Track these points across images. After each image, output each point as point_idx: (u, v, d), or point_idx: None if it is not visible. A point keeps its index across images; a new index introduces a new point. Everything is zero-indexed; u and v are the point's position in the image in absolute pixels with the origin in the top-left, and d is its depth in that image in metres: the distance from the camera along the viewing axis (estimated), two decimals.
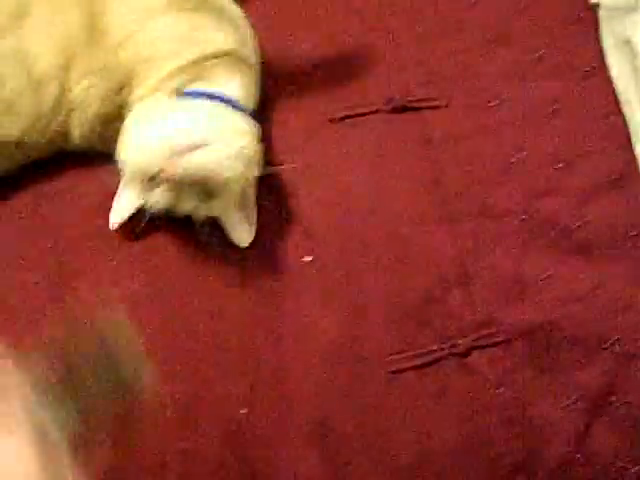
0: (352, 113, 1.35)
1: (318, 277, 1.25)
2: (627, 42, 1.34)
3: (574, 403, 1.21)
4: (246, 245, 1.25)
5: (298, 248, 1.26)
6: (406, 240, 1.27)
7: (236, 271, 1.23)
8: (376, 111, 1.35)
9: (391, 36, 1.43)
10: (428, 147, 1.34)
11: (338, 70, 1.40)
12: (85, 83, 1.23)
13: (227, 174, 1.15)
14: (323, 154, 1.32)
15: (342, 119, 1.34)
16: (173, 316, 1.22)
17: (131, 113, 1.23)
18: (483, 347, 1.23)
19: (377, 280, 1.25)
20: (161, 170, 1.12)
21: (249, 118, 1.25)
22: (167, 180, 1.13)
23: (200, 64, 1.24)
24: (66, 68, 1.22)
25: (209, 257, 1.25)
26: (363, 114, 1.35)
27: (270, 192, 1.28)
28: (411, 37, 1.42)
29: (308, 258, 1.26)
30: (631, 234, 1.29)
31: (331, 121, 1.34)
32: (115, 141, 1.21)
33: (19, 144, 1.24)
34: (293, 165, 1.27)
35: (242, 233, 1.24)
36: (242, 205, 1.23)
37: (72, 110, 1.24)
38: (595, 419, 1.21)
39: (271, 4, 1.45)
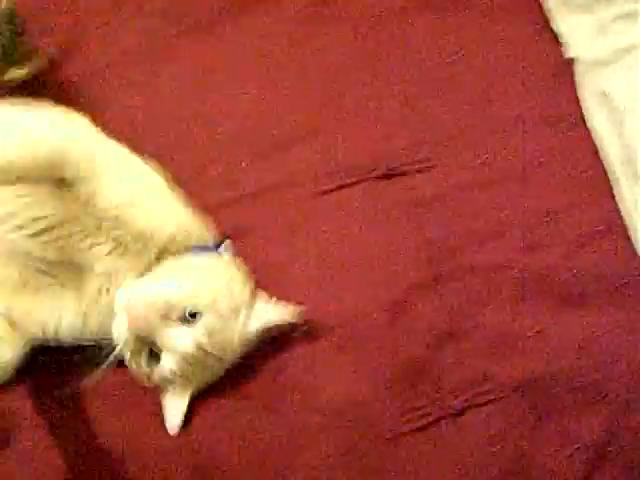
0: (339, 185, 1.39)
1: (314, 347, 1.29)
2: (603, 94, 1.37)
3: (573, 453, 1.24)
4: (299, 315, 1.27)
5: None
6: (399, 304, 1.31)
7: None
8: (363, 180, 1.40)
9: (374, 100, 1.47)
10: (417, 209, 1.38)
11: (323, 139, 1.44)
12: None
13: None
14: (313, 227, 1.37)
15: (330, 191, 1.39)
16: None
17: None
18: (477, 406, 1.26)
19: (372, 346, 1.29)
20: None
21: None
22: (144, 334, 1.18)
23: None
24: None
25: None
26: (350, 184, 1.39)
27: (264, 268, 1.33)
28: (395, 100, 1.46)
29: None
30: (619, 284, 1.32)
31: (319, 193, 1.39)
32: None
33: None
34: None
35: (283, 316, 1.26)
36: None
37: None
38: (595, 469, 1.23)
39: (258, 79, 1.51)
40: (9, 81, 1.39)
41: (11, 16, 1.39)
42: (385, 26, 1.54)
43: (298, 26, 1.55)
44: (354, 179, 1.39)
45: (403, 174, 1.40)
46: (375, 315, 1.31)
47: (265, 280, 1.30)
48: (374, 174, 1.40)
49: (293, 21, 1.56)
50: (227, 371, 1.25)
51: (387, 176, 1.40)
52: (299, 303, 1.28)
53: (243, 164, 1.42)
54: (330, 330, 1.30)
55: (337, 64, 1.51)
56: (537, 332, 1.29)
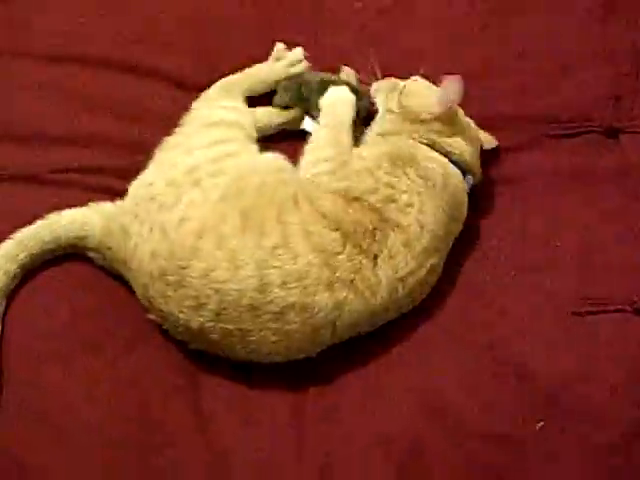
0: (596, 310, 1.47)
1: None
2: None
3: None
4: None
5: None
6: None
7: None
8: (619, 310, 1.47)
9: None
10: None
11: (587, 261, 1.53)
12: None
13: None
14: (561, 346, 1.45)
15: (586, 313, 1.47)
16: None
17: None
18: None
19: None
20: None
21: None
22: None
23: None
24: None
25: None
26: (607, 311, 1.46)
27: None
28: None
29: None
30: None
31: (576, 314, 1.47)
32: None
33: None
34: None
35: None
36: None
37: None
38: None
39: None
40: None
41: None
42: None
43: None
44: (610, 307, 1.47)
45: None
46: None
47: None
48: (629, 307, 1.47)
49: None
50: None
51: None
52: None
53: None
54: None
55: None
56: None
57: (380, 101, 1.58)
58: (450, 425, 1.40)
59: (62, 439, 1.38)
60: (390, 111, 1.56)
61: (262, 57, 1.69)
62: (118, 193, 1.53)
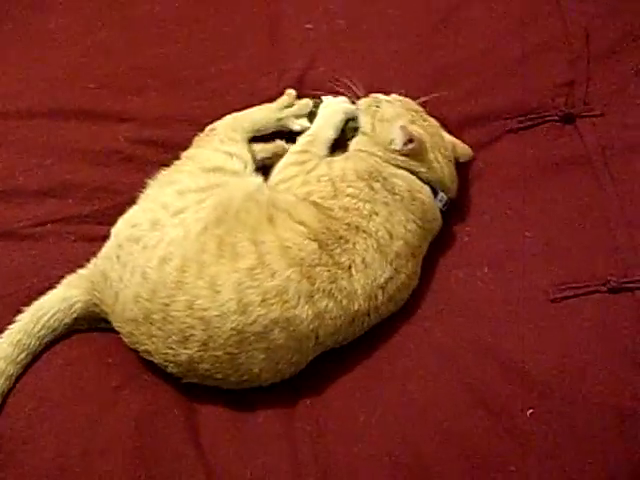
0: (571, 294, 1.50)
1: None
2: None
3: None
4: None
5: None
6: None
7: None
8: (595, 292, 1.50)
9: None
10: None
11: (558, 247, 1.57)
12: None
13: None
14: (543, 334, 1.48)
15: (564, 298, 1.51)
16: None
17: None
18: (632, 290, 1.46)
19: None
20: None
21: None
22: None
23: None
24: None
25: None
26: (583, 294, 1.50)
27: None
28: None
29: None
30: None
31: (554, 301, 1.51)
32: None
33: None
34: None
35: None
36: None
37: None
38: None
39: None
40: None
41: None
42: None
43: None
44: (583, 290, 1.51)
45: (631, 291, 1.51)
46: None
47: None
48: (602, 288, 1.51)
49: None
50: None
51: (615, 290, 1.50)
52: None
53: None
54: None
55: None
56: None
57: (361, 121, 1.63)
58: (445, 426, 1.42)
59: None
60: (364, 133, 1.61)
61: (226, 84, 1.77)
62: (98, 239, 1.57)
